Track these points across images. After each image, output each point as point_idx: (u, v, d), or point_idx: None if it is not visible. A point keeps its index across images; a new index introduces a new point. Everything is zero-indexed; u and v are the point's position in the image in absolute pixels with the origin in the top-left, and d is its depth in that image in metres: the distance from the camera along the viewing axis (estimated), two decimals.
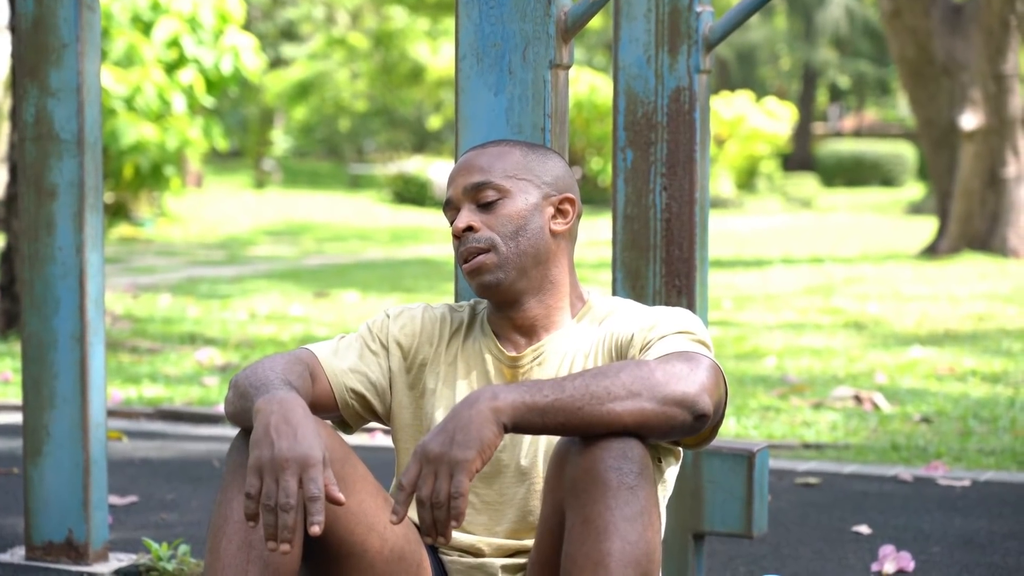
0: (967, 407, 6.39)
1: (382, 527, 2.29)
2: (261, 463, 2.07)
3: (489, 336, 2.45)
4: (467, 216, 2.38)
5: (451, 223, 2.42)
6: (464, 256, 2.38)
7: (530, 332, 2.42)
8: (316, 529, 2.04)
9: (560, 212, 2.43)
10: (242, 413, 2.24)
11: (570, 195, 2.44)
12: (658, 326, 2.30)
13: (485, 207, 2.38)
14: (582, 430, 2.11)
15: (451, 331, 2.48)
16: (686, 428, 2.15)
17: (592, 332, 2.41)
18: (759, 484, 3.25)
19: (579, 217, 2.47)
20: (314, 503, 2.05)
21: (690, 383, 2.14)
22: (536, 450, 2.37)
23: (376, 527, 2.28)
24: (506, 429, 2.09)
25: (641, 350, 2.28)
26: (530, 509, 2.37)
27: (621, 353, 2.34)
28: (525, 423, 2.10)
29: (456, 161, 2.46)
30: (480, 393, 2.10)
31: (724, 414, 2.24)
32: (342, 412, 2.45)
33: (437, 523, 2.08)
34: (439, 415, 2.42)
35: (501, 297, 2.40)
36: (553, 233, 2.42)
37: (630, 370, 2.13)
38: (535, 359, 2.40)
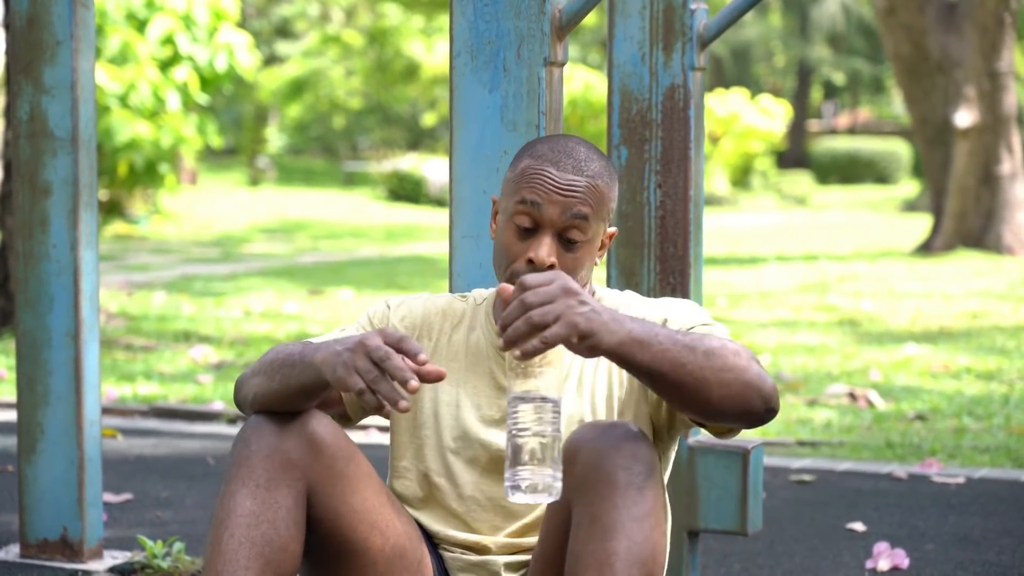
0: (961, 404, 6.40)
1: (384, 525, 2.29)
2: (344, 367, 2.07)
3: (494, 333, 2.42)
4: (552, 250, 2.30)
5: (523, 224, 2.31)
6: None
7: None
8: (421, 359, 2.05)
9: (602, 245, 2.40)
10: (282, 385, 2.21)
11: (614, 230, 2.42)
12: (686, 318, 2.30)
13: (567, 243, 2.31)
14: (674, 385, 2.09)
15: (452, 324, 2.45)
16: (755, 416, 2.15)
17: None
18: (754, 481, 3.25)
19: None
20: (404, 342, 2.05)
21: (766, 377, 2.15)
22: None
23: (379, 525, 2.28)
24: (612, 354, 2.06)
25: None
26: (539, 510, 2.37)
27: None
28: (637, 359, 2.07)
29: (538, 160, 2.32)
30: (606, 310, 2.09)
31: None
32: (344, 403, 2.43)
33: (517, 335, 2.04)
34: (443, 410, 2.40)
35: None
36: (594, 263, 2.41)
37: (721, 344, 2.12)
38: (543, 357, 2.38)
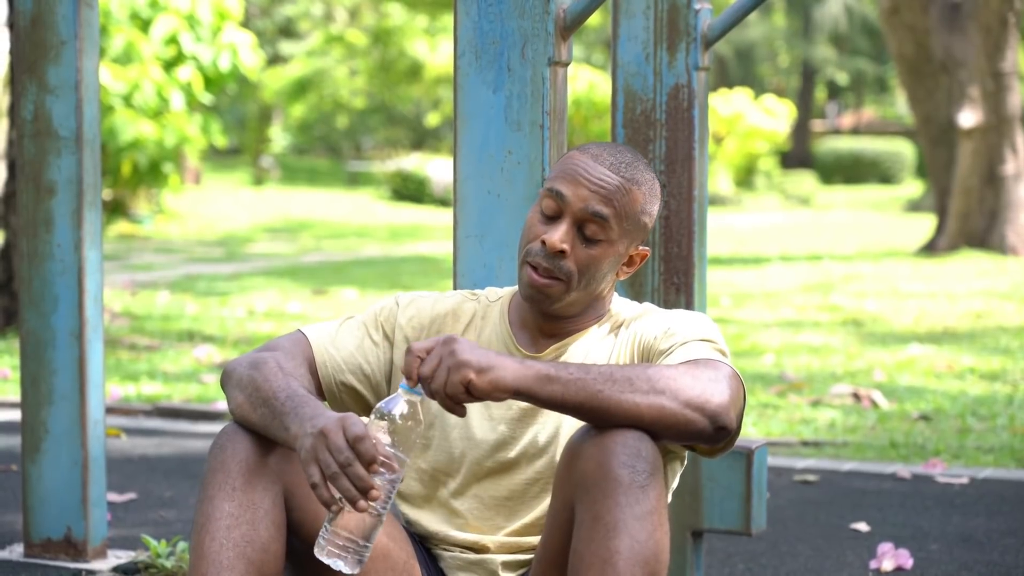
0: (965, 404, 6.39)
1: None
2: (307, 452, 2.09)
3: (506, 330, 2.42)
4: (566, 237, 2.31)
5: (548, 211, 2.33)
6: (536, 268, 2.33)
7: (555, 333, 2.41)
8: (375, 467, 2.06)
9: (630, 261, 2.41)
10: (260, 423, 2.22)
11: (646, 251, 2.41)
12: (680, 332, 2.30)
13: (585, 238, 2.33)
14: (598, 414, 2.12)
15: (463, 325, 2.45)
16: (704, 436, 2.15)
17: (615, 335, 2.40)
18: (758, 481, 3.25)
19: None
20: (361, 442, 2.06)
21: (715, 393, 2.14)
22: (556, 450, 2.36)
23: None
24: (519, 392, 2.11)
25: (664, 353, 2.28)
26: (541, 508, 2.37)
27: (645, 355, 2.33)
28: (544, 392, 2.11)
29: (580, 152, 2.35)
30: (512, 355, 2.15)
31: (741, 426, 2.24)
32: (329, 404, 2.42)
33: (436, 396, 2.12)
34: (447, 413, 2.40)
35: (544, 312, 2.39)
36: (616, 276, 2.40)
37: (656, 369, 2.15)
38: (556, 358, 2.38)
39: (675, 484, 2.39)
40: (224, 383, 2.33)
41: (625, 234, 2.35)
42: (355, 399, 2.43)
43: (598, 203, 2.31)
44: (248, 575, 2.17)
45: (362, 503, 2.06)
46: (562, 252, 2.31)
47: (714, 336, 2.30)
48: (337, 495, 2.08)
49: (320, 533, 2.12)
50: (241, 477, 2.20)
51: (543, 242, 2.31)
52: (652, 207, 2.38)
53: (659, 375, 2.14)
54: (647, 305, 2.46)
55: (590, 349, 2.39)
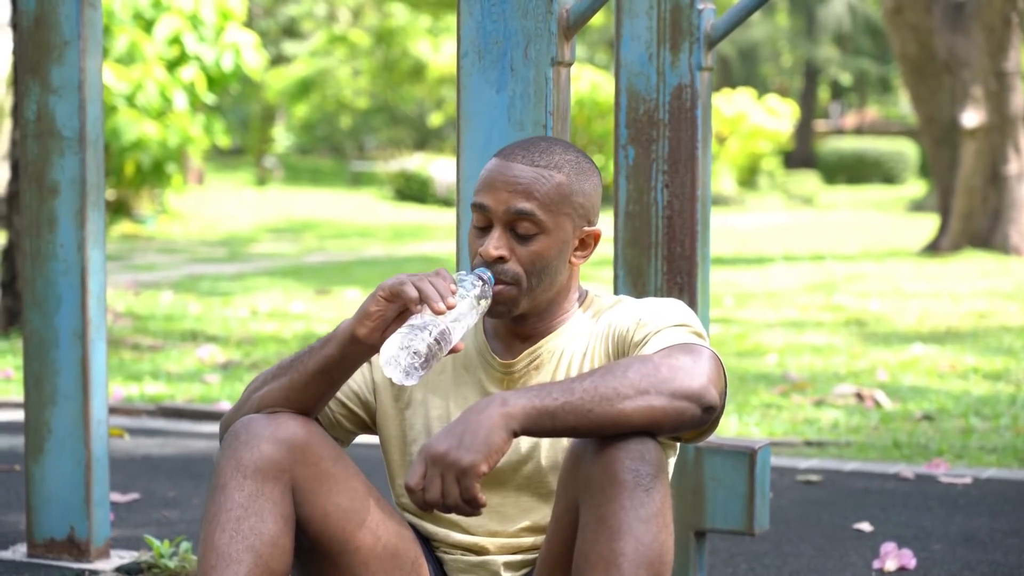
0: (968, 404, 6.39)
1: (374, 524, 2.30)
2: (387, 279, 2.22)
3: (481, 341, 2.43)
4: (500, 243, 2.32)
5: (477, 224, 2.35)
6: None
7: (527, 336, 2.41)
8: (453, 289, 2.21)
9: (583, 244, 2.40)
10: (297, 376, 2.29)
11: (597, 230, 2.40)
12: (653, 320, 2.30)
13: (520, 237, 2.32)
14: (593, 432, 2.12)
15: None
16: (695, 421, 2.15)
17: (589, 329, 2.40)
18: (761, 481, 3.25)
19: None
20: (440, 269, 2.22)
21: (696, 376, 2.14)
22: (540, 455, 2.36)
23: (368, 524, 2.29)
24: (516, 434, 2.09)
25: (639, 344, 2.28)
26: (536, 512, 2.37)
27: (620, 347, 2.33)
28: (536, 428, 2.10)
29: (495, 157, 2.37)
30: (491, 400, 2.11)
31: (725, 405, 2.24)
32: (327, 428, 2.45)
33: (456, 513, 2.10)
34: (435, 424, 2.40)
35: (506, 318, 2.39)
36: (571, 263, 2.39)
37: (636, 367, 2.14)
38: (531, 363, 2.39)
39: (670, 473, 2.40)
40: (229, 418, 2.37)
41: (563, 219, 2.33)
42: (349, 417, 2.46)
43: (518, 200, 2.31)
44: (256, 568, 2.18)
45: (442, 305, 2.15)
46: (501, 258, 2.32)
47: (687, 319, 2.30)
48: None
49: (384, 346, 2.17)
50: (252, 465, 2.22)
51: (480, 255, 2.33)
52: (584, 185, 2.36)
53: (640, 373, 2.13)
54: (618, 296, 2.46)
55: (565, 345, 2.39)
